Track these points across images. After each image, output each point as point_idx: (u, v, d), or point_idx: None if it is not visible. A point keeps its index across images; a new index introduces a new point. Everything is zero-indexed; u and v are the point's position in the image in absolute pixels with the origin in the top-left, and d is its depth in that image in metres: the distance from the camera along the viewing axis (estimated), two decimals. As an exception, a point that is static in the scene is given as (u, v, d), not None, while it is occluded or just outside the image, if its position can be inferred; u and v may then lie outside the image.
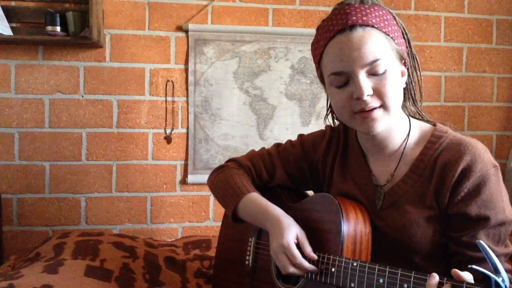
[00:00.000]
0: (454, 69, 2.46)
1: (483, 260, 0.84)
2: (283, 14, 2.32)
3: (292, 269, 1.08)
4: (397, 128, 1.10)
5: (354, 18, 0.99)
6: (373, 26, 1.00)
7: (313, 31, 2.36)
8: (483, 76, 2.49)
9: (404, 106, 1.13)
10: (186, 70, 2.26)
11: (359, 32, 0.99)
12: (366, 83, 0.99)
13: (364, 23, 0.99)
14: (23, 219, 2.19)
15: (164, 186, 2.28)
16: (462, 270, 0.84)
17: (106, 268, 1.61)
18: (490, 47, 2.48)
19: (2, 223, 2.15)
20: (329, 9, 2.30)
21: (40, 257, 1.72)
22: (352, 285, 0.99)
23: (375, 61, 0.98)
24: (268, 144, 2.23)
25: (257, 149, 1.42)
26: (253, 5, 2.30)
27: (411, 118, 1.14)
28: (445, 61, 2.45)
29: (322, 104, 2.34)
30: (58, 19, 2.02)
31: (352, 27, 0.99)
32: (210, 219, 2.32)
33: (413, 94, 1.13)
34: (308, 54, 2.32)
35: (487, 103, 2.50)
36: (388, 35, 1.01)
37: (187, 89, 2.26)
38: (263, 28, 2.30)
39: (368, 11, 1.01)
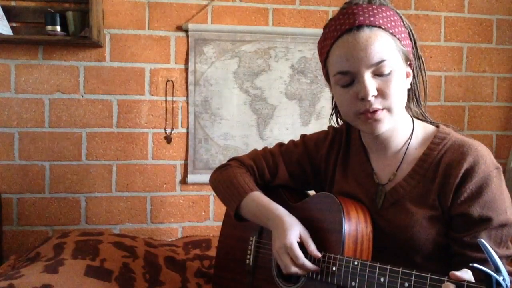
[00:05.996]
0: (454, 69, 2.47)
1: (485, 261, 0.84)
2: (283, 14, 2.32)
3: (294, 269, 1.08)
4: (400, 128, 1.10)
5: (361, 18, 1.00)
6: (380, 27, 1.00)
7: (313, 31, 2.39)
8: (483, 76, 2.49)
9: (408, 107, 1.13)
10: (186, 70, 2.26)
11: (366, 32, 0.99)
12: (371, 84, 0.99)
13: (371, 24, 0.99)
14: (23, 219, 2.19)
15: (164, 186, 2.28)
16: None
17: (106, 268, 1.61)
18: (490, 47, 2.48)
19: (2, 223, 2.15)
20: (329, 9, 2.34)
21: (40, 256, 1.72)
22: (353, 284, 0.99)
23: (381, 62, 0.98)
24: (268, 144, 2.24)
25: (257, 149, 1.42)
26: (253, 5, 2.30)
27: (414, 119, 1.14)
28: (445, 61, 2.45)
29: (322, 104, 2.34)
30: (58, 19, 2.02)
31: (359, 27, 0.99)
32: (210, 219, 2.32)
33: (417, 95, 1.13)
34: (308, 54, 2.32)
35: (487, 103, 2.50)
36: (395, 36, 1.01)
37: (187, 89, 2.26)
38: (263, 28, 2.30)
39: (375, 11, 1.01)
